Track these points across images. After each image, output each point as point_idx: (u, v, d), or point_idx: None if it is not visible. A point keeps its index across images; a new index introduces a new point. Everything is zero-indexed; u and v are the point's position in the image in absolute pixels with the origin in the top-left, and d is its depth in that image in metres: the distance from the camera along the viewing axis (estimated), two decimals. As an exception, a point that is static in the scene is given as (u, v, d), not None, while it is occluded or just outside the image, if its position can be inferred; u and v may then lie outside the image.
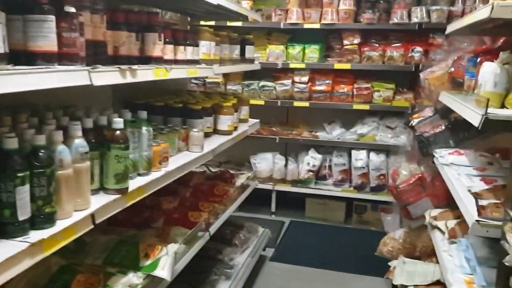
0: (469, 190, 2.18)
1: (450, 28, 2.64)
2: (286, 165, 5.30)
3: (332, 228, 5.04)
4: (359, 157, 5.02)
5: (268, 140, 5.34)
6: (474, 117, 1.79)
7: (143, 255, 2.23)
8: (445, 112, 3.19)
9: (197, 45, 2.66)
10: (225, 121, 3.18)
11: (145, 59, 2.17)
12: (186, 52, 2.49)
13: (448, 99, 2.50)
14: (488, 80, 1.91)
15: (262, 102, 5.29)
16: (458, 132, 3.00)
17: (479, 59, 2.33)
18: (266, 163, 5.35)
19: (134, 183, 1.94)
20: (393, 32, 4.98)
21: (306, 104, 5.17)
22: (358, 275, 3.90)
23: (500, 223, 1.74)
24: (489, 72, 1.91)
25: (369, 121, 5.11)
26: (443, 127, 3.04)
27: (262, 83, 5.31)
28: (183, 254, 2.54)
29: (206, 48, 2.74)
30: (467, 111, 1.95)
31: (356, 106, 4.99)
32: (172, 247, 2.31)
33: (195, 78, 5.38)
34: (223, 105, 3.20)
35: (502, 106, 1.94)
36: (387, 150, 4.93)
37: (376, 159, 4.94)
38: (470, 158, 2.62)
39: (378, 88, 4.96)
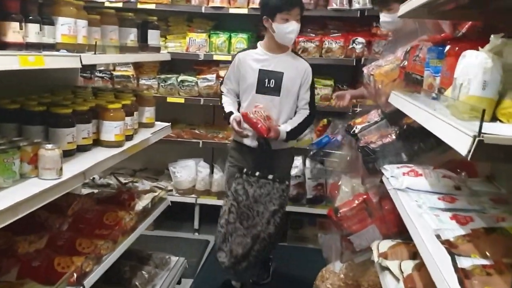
0: (438, 236, 1.51)
1: (405, 8, 2.00)
2: (211, 174, 4.55)
3: (264, 247, 4.34)
4: (294, 164, 4.33)
5: (190, 144, 4.57)
6: (458, 138, 1.11)
7: None
8: (395, 117, 2.54)
9: (51, 23, 1.82)
10: (111, 129, 2.35)
11: None
12: (26, 32, 1.65)
13: (405, 103, 1.83)
14: (474, 78, 1.23)
15: (182, 100, 4.50)
16: (412, 142, 2.35)
17: (447, 49, 1.67)
18: (187, 171, 4.57)
19: None
20: (332, 20, 4.34)
21: (234, 102, 4.41)
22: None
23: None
24: (475, 66, 1.23)
25: (306, 122, 4.43)
26: (393, 137, 2.40)
27: (181, 77, 4.49)
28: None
29: (67, 27, 1.89)
30: (442, 126, 1.27)
31: (290, 106, 4.28)
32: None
33: (100, 71, 4.48)
34: (109, 107, 2.37)
35: (493, 118, 1.28)
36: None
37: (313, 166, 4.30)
38: (431, 180, 1.98)
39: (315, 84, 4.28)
